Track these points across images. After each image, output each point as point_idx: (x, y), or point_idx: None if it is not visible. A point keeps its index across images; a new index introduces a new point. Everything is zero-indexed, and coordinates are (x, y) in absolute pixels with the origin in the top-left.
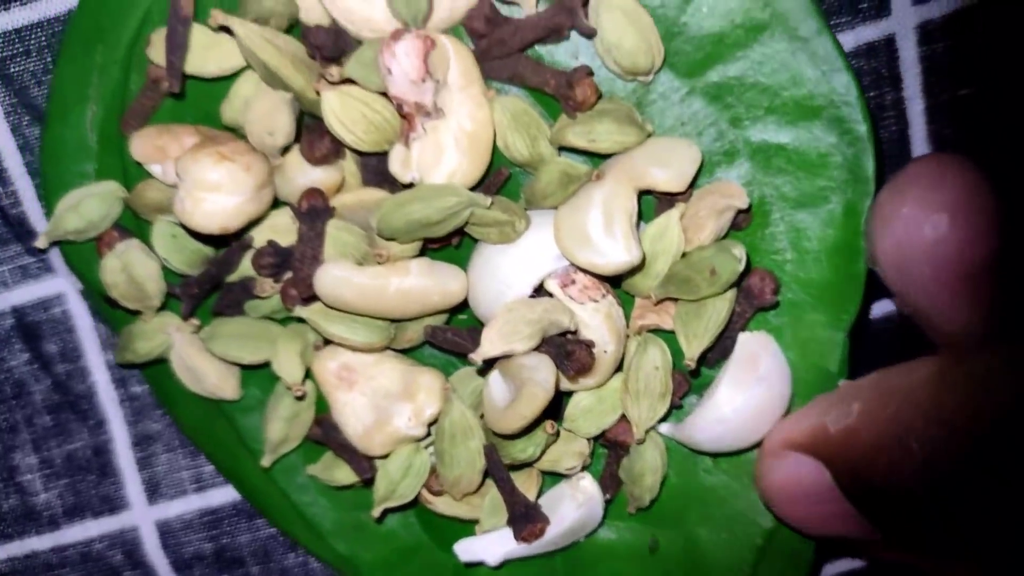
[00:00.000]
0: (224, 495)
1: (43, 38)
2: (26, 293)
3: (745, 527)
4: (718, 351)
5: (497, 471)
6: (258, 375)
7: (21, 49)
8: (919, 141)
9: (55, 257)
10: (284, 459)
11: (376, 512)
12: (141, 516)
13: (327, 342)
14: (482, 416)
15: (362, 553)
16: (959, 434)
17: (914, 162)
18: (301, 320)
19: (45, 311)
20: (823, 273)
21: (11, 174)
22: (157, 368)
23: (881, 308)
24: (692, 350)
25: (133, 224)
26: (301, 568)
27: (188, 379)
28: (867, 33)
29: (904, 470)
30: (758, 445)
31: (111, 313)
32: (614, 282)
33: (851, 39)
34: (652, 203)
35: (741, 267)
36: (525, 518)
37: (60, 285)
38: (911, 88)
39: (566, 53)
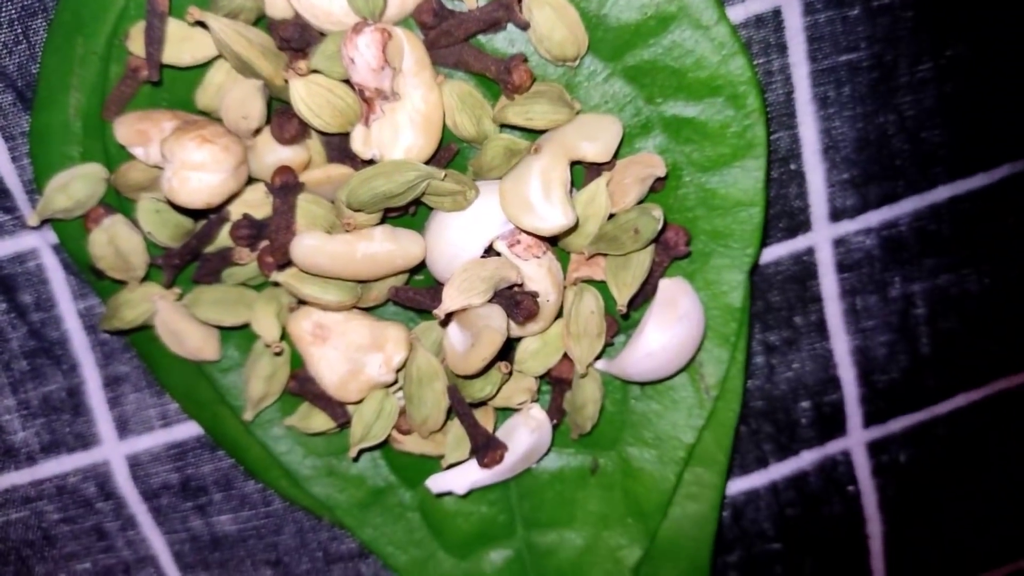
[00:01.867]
0: (188, 430)
1: (13, 11)
2: (2, 248)
3: (670, 443)
4: (641, 296)
5: (460, 407)
6: (236, 337)
7: None
8: (804, 103)
9: (30, 214)
10: (262, 414)
11: (353, 452)
12: (112, 451)
13: (300, 304)
14: (443, 361)
15: (337, 496)
16: None
17: None
18: (275, 285)
19: (20, 264)
20: (726, 224)
21: None
22: (142, 335)
23: (770, 253)
24: (623, 297)
25: (116, 202)
26: (260, 494)
27: (171, 343)
28: (756, 6)
29: None
30: (680, 372)
31: (98, 285)
32: (552, 241)
33: (741, 12)
34: (582, 172)
35: (659, 226)
36: (486, 447)
37: (34, 241)
38: (796, 55)
39: (504, 41)
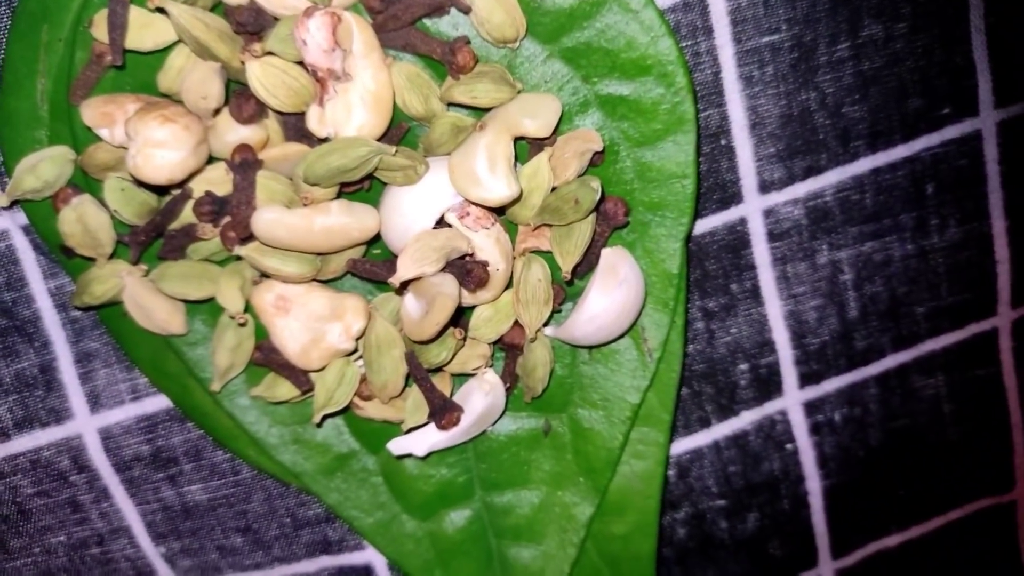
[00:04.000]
0: (158, 402)
1: None
2: None
3: (616, 404)
4: (585, 265)
5: (417, 372)
6: (201, 311)
7: None
8: (731, 82)
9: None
10: (229, 386)
11: (316, 418)
12: (84, 424)
13: (263, 276)
14: (401, 330)
15: (303, 463)
16: None
17: None
18: (239, 259)
19: None
20: (662, 195)
21: None
22: (111, 310)
23: (706, 224)
24: (567, 265)
25: (83, 182)
26: (229, 463)
27: (139, 317)
28: None
29: None
30: (624, 335)
31: (68, 264)
32: (500, 212)
33: None
34: (525, 147)
35: (598, 196)
36: (443, 410)
37: (4, 222)
38: (721, 37)
39: (448, 25)
